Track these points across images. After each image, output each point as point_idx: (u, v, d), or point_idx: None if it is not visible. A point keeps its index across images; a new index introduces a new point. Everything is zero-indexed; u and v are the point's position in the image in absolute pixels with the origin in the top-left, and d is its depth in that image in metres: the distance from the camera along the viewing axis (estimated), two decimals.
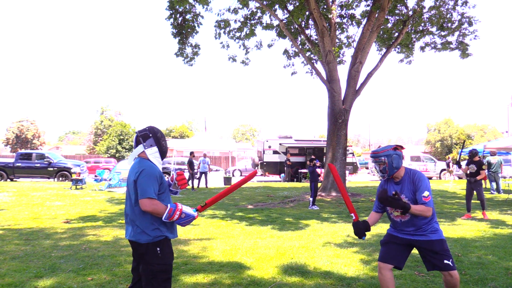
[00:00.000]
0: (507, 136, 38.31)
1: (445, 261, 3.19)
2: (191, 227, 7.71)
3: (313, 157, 11.98)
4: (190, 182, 17.00)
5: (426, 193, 3.21)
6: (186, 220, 2.79)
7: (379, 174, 3.41)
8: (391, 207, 3.27)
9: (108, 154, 35.63)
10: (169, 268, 2.81)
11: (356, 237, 6.73)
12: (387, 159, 3.30)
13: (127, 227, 2.87)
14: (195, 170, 17.58)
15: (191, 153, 18.31)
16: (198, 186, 17.80)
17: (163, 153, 2.95)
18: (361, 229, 3.37)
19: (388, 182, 3.41)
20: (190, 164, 17.11)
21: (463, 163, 9.59)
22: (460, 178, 23.63)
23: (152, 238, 2.74)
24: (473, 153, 9.13)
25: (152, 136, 2.89)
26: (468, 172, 9.05)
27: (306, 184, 20.34)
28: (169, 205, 2.74)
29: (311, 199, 11.04)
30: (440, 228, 3.32)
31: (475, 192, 9.12)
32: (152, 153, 2.88)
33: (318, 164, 11.69)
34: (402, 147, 3.43)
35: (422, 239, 3.26)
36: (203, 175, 17.85)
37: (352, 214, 3.47)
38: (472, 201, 9.44)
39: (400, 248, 3.33)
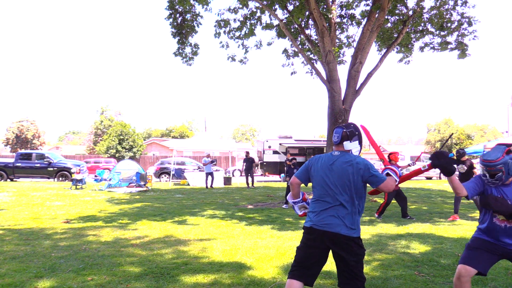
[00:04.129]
0: (507, 136, 38.31)
1: None
2: (191, 227, 7.71)
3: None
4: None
5: None
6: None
7: (490, 180, 3.09)
8: (497, 210, 2.96)
9: (108, 154, 35.57)
10: None
11: None
12: (504, 167, 3.00)
13: (335, 220, 2.96)
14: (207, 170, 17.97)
15: (247, 152, 18.78)
16: (206, 187, 17.72)
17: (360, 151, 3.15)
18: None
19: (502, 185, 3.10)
20: (249, 163, 17.97)
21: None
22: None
23: (359, 232, 3.00)
24: (460, 153, 8.87)
25: (357, 134, 3.07)
26: (458, 173, 8.81)
27: None
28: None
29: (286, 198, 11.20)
30: None
31: None
32: (357, 151, 3.07)
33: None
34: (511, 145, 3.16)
35: None
36: (209, 175, 17.87)
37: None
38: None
39: (491, 255, 3.08)
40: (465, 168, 8.70)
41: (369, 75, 14.74)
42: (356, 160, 2.99)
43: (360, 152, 3.12)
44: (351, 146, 3.05)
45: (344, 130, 3.07)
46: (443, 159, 2.97)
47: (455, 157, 9.44)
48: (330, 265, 5.02)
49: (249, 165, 18.51)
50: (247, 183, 18.39)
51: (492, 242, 3.08)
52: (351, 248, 2.93)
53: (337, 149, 3.09)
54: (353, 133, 3.04)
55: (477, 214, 9.44)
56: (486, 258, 3.06)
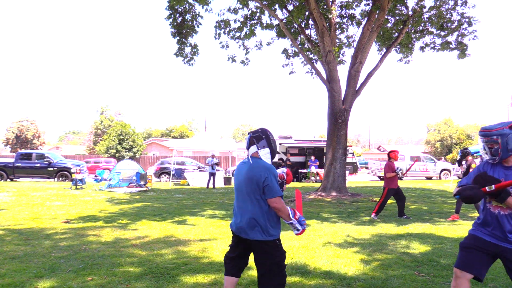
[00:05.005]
0: None
1: None
2: (191, 227, 7.72)
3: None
4: None
5: None
6: (302, 220, 2.96)
7: (489, 156, 2.88)
8: (484, 187, 2.69)
9: (108, 154, 35.58)
10: (285, 256, 3.11)
11: (356, 237, 6.74)
12: (501, 138, 2.76)
13: (248, 229, 3.04)
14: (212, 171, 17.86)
15: None
16: (207, 187, 17.71)
17: (273, 154, 3.13)
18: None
19: (495, 167, 2.88)
20: None
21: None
22: (459, 178, 23.63)
23: (277, 235, 3.05)
24: (464, 153, 8.91)
25: (265, 138, 3.09)
26: (461, 172, 8.95)
27: (306, 184, 20.36)
28: (288, 207, 2.96)
29: None
30: None
31: None
32: (265, 154, 3.07)
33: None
34: None
35: (510, 248, 2.75)
36: (212, 176, 17.84)
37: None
38: None
39: (484, 257, 2.86)
40: (465, 167, 8.75)
41: (369, 75, 14.75)
42: (263, 165, 3.02)
43: (272, 156, 3.13)
44: (256, 149, 3.08)
45: (251, 136, 3.13)
46: None
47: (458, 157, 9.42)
48: (330, 265, 5.02)
49: None
50: None
51: (484, 239, 2.89)
52: (266, 251, 3.02)
53: (249, 155, 3.16)
54: (260, 137, 3.08)
55: (476, 213, 9.43)
56: (479, 260, 2.87)
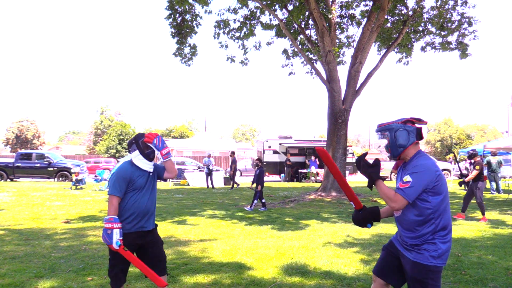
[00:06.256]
0: (507, 136, 38.32)
1: None
2: (191, 227, 7.72)
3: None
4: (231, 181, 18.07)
5: (407, 178, 2.36)
6: (105, 238, 3.06)
7: (386, 153, 2.66)
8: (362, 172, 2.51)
9: (108, 154, 35.62)
10: (112, 252, 3.19)
11: (356, 237, 6.74)
12: (389, 134, 2.54)
13: None
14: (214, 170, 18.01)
15: (233, 152, 18.62)
16: (207, 186, 17.77)
17: (145, 154, 3.30)
18: (360, 219, 2.60)
19: (403, 166, 2.58)
20: (232, 164, 17.87)
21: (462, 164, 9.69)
22: (459, 178, 23.61)
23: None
24: (471, 154, 9.12)
25: (134, 142, 3.35)
26: (464, 172, 9.06)
27: (306, 184, 20.35)
28: (113, 217, 3.09)
29: (260, 201, 10.53)
30: (438, 250, 2.39)
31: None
32: (135, 156, 3.31)
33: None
34: (420, 121, 2.61)
35: (405, 255, 2.50)
36: (208, 176, 17.87)
37: (352, 203, 2.61)
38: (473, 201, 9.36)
39: (396, 263, 2.60)
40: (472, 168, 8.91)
41: (369, 75, 14.75)
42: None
43: (144, 156, 3.29)
44: (131, 155, 3.35)
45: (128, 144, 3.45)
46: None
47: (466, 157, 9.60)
48: (330, 265, 5.02)
49: (231, 165, 18.17)
50: (236, 183, 17.92)
51: (394, 244, 2.68)
52: None
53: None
54: (132, 143, 3.37)
55: (477, 214, 9.44)
56: (391, 266, 2.63)
